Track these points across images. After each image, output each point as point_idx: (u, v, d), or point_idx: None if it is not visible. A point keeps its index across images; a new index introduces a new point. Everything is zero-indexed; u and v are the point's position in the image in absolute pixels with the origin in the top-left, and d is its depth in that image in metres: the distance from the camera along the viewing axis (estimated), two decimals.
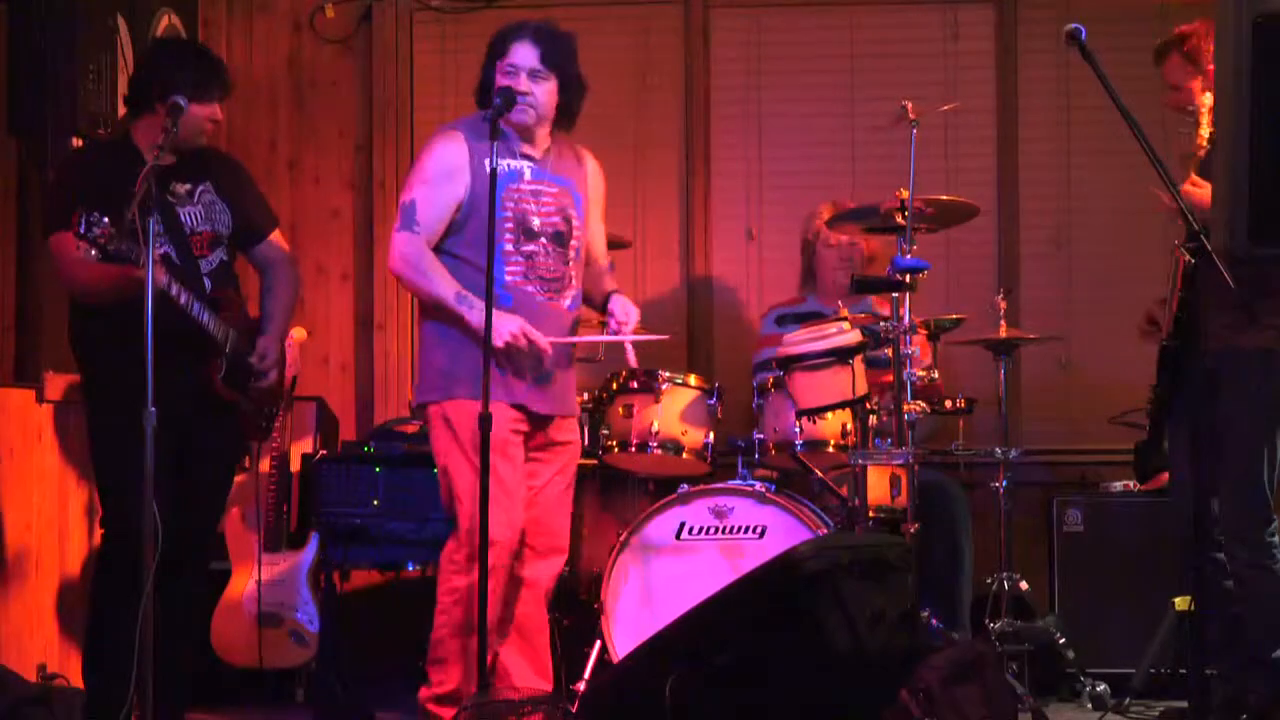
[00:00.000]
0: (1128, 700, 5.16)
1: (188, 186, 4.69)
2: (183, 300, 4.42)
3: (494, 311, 4.26)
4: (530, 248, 4.46)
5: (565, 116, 4.55)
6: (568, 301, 4.54)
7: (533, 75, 4.40)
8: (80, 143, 5.25)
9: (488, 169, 4.28)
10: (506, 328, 4.35)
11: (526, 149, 4.50)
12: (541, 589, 4.60)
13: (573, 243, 4.55)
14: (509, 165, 4.44)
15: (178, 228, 4.62)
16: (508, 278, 4.44)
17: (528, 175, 4.49)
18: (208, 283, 4.66)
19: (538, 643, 4.58)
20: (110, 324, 4.47)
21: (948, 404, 5.32)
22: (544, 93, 4.43)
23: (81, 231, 4.10)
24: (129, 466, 4.27)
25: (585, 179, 4.66)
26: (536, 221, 4.46)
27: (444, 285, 4.43)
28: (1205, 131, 4.68)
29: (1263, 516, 4.74)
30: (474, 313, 4.34)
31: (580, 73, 4.51)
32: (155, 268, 4.21)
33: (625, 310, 4.60)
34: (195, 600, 4.92)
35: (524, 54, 4.40)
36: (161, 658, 4.62)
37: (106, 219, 4.11)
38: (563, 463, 4.63)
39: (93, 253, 4.13)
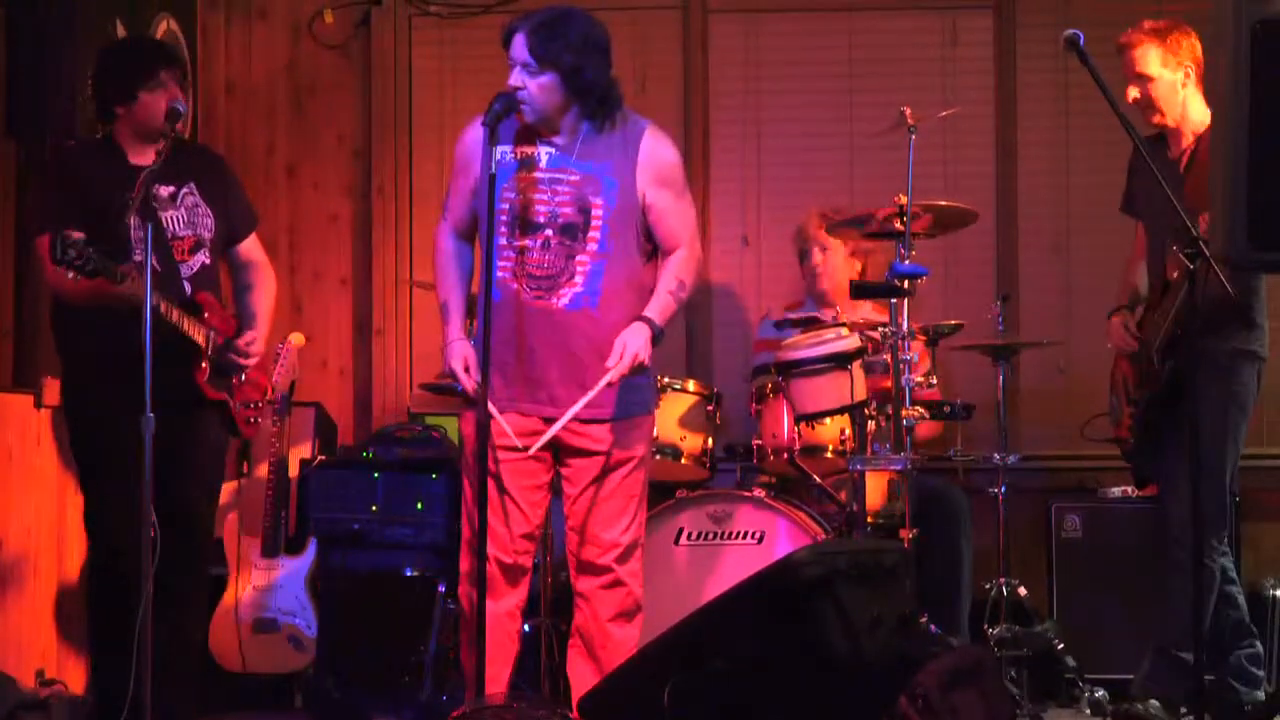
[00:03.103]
0: (1126, 706, 5.15)
1: (171, 189, 4.68)
2: (162, 309, 4.38)
3: (456, 342, 4.30)
4: (524, 242, 4.28)
5: (589, 105, 4.26)
6: (564, 301, 4.29)
7: (525, 68, 4.21)
8: (70, 143, 5.25)
9: (501, 158, 4.21)
10: (452, 361, 4.31)
11: (548, 134, 4.30)
12: (590, 602, 4.39)
13: (591, 234, 4.29)
14: (523, 152, 4.29)
15: (159, 232, 4.61)
16: (499, 274, 4.27)
17: (544, 162, 4.30)
18: (187, 287, 4.67)
19: (601, 656, 4.38)
20: (90, 331, 4.49)
21: (946, 409, 5.32)
22: (537, 86, 4.20)
23: (58, 256, 4.12)
24: (109, 472, 4.29)
25: (634, 160, 4.30)
26: (542, 212, 4.28)
27: (441, 289, 4.42)
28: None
29: (1221, 519, 4.77)
30: (446, 328, 4.35)
31: (592, 62, 4.21)
32: (139, 279, 4.24)
33: (618, 352, 4.22)
34: (195, 602, 4.88)
35: (517, 46, 4.22)
36: (162, 663, 4.65)
37: (82, 237, 4.15)
38: (596, 472, 4.35)
39: (70, 274, 4.15)
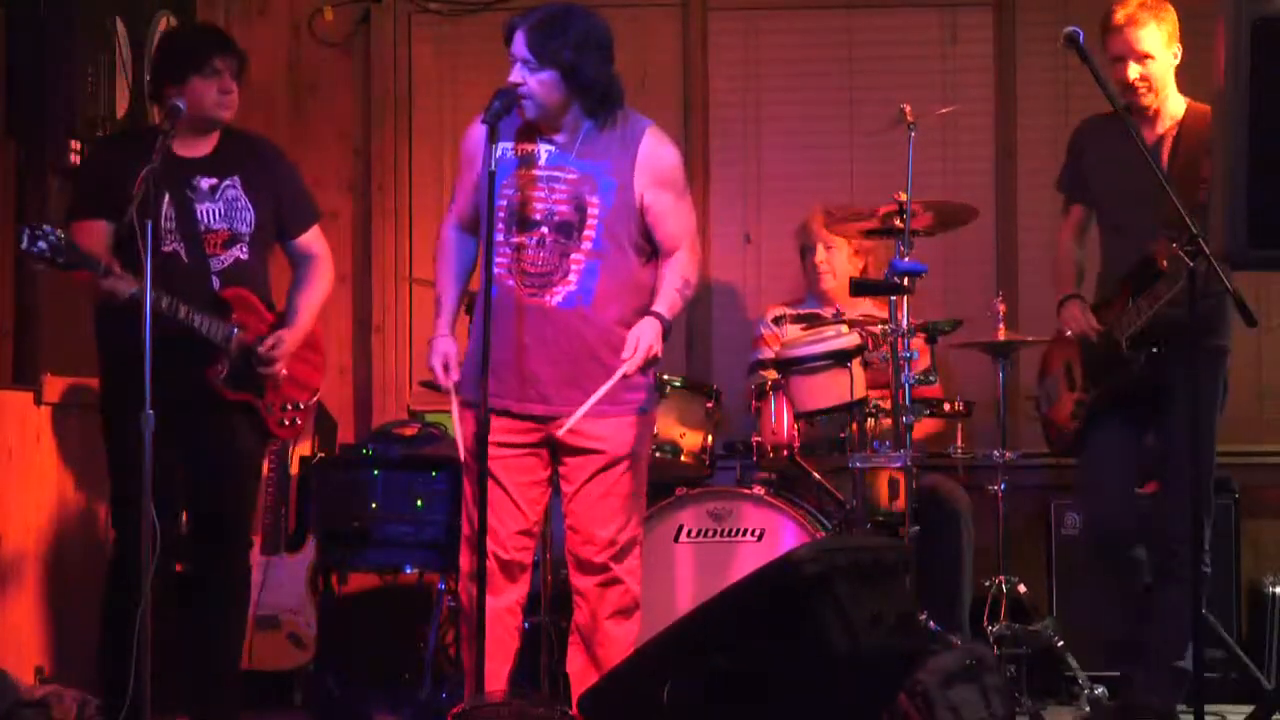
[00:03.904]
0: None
1: (212, 182, 4.65)
2: (164, 305, 4.33)
3: (440, 338, 4.35)
4: (520, 239, 4.29)
5: (590, 103, 4.27)
6: (557, 299, 4.28)
7: (525, 65, 4.21)
8: (104, 135, 5.27)
9: (501, 155, 4.21)
10: (433, 358, 4.36)
11: (549, 132, 4.31)
12: (588, 599, 4.39)
13: (586, 233, 4.28)
14: (523, 149, 4.31)
15: (191, 224, 4.58)
16: (496, 270, 4.28)
17: (543, 159, 4.31)
18: (216, 281, 4.62)
19: (599, 654, 4.38)
20: (116, 326, 4.49)
21: (946, 407, 5.32)
22: (537, 83, 4.21)
23: (24, 247, 4.11)
24: (127, 468, 4.29)
25: (632, 160, 4.29)
26: (539, 209, 4.28)
27: (438, 281, 4.45)
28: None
29: (1210, 516, 4.76)
30: (436, 321, 4.40)
31: (591, 59, 4.21)
32: (125, 278, 4.23)
33: (631, 345, 4.22)
34: (228, 607, 4.81)
35: (517, 43, 4.23)
36: (201, 666, 4.66)
37: (58, 232, 4.15)
38: (593, 470, 4.34)
39: (40, 266, 4.15)
